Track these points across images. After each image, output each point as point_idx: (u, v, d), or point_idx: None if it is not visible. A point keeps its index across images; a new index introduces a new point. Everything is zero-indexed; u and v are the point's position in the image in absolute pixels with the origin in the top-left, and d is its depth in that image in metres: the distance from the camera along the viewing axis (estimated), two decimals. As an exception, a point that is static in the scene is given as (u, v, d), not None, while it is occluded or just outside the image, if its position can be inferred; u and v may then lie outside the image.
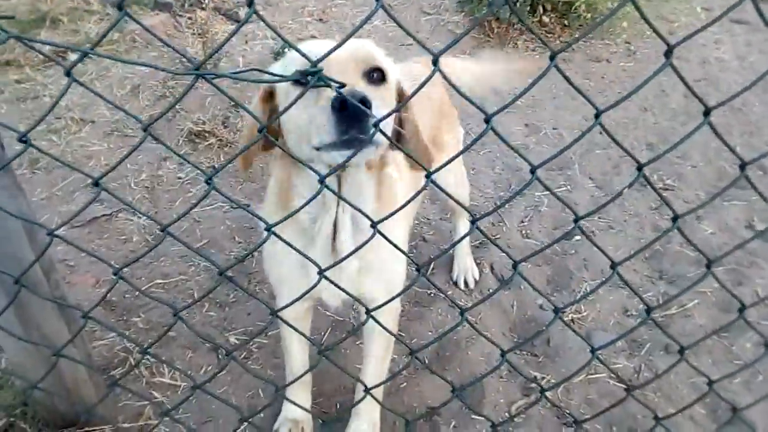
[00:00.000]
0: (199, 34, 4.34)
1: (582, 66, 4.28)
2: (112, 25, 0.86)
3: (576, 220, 1.06)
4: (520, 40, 4.46)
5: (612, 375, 2.19)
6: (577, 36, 4.37)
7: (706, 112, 1.00)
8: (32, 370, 1.68)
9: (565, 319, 2.42)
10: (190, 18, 4.71)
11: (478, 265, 2.63)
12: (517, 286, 2.55)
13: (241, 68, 0.91)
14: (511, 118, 3.64)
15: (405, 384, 2.15)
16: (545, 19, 4.46)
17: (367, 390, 1.38)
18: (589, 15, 4.40)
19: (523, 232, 2.88)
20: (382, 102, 1.14)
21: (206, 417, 2.00)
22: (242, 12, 4.72)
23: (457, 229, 2.62)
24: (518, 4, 4.42)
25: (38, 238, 1.54)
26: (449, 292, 2.53)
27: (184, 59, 4.07)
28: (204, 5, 4.78)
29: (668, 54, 0.92)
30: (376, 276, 1.57)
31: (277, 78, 1.01)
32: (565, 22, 4.53)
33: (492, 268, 2.65)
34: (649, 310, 1.16)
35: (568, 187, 3.16)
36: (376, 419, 1.92)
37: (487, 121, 0.96)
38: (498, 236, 2.82)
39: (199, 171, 0.98)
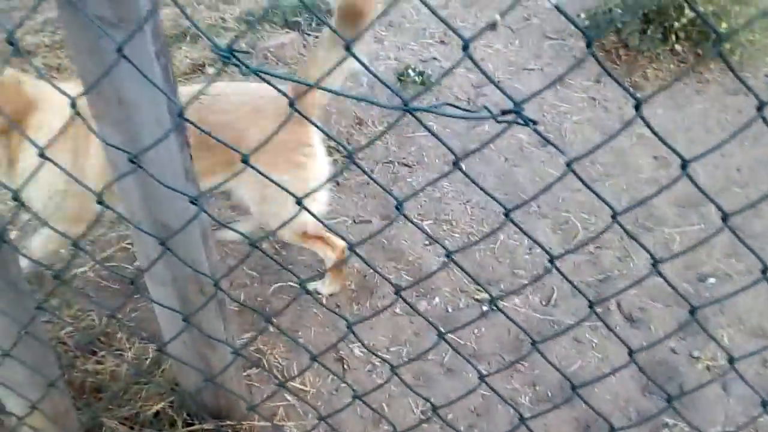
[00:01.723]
0: (327, 53, 4.54)
1: (717, 99, 4.06)
2: (338, 61, 0.93)
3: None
4: (649, 69, 4.31)
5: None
6: (702, 69, 4.16)
7: None
8: (185, 360, 1.82)
9: (700, 366, 2.30)
10: (317, 37, 4.94)
11: (603, 301, 2.55)
12: (647, 326, 2.45)
13: (439, 102, 0.96)
14: (640, 150, 3.51)
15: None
16: (678, 47, 4.28)
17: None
18: (728, 46, 4.16)
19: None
20: None
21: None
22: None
23: None
24: (649, 32, 4.28)
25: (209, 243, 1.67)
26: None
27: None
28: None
29: None
30: None
31: (471, 115, 1.06)
32: (699, 51, 4.32)
33: (619, 305, 2.57)
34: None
35: (702, 225, 3.00)
36: None
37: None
38: (625, 272, 2.72)
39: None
